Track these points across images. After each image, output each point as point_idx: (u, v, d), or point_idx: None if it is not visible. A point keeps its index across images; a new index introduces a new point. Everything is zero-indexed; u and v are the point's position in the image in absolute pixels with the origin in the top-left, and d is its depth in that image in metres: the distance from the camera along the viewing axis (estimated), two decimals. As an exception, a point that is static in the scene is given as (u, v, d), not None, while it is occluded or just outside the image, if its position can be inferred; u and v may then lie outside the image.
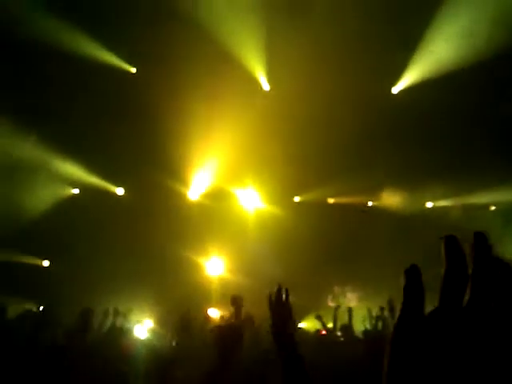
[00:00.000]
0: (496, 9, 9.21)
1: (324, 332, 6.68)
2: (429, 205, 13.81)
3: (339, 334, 6.22)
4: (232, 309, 5.54)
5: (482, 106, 10.78)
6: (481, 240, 0.61)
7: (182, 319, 5.95)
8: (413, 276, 0.64)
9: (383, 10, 9.39)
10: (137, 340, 5.86)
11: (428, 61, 10.58)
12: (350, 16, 9.16)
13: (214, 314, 11.16)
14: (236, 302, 5.57)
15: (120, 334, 5.32)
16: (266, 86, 11.79)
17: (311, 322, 8.72)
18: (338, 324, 6.53)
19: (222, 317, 7.46)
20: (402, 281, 0.64)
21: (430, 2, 9.52)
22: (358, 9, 9.13)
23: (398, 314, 0.63)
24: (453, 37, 10.00)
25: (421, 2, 9.34)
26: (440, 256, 0.65)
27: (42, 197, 11.91)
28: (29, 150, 11.14)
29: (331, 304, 12.09)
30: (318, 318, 6.91)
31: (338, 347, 5.52)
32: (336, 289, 12.98)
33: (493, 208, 13.88)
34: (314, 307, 11.67)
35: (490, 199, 13.19)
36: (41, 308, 9.70)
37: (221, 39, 10.25)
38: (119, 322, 6.64)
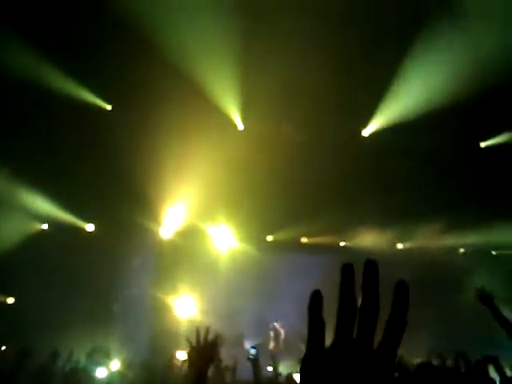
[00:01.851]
0: (463, 55, 9.59)
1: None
2: (399, 246, 14.01)
3: None
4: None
5: (450, 149, 11.15)
6: (371, 268, 0.69)
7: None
8: (315, 308, 0.69)
9: (354, 55, 9.73)
10: (99, 381, 5.66)
11: (397, 105, 10.94)
12: (323, 60, 9.43)
13: (183, 356, 10.87)
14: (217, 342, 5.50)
15: (81, 374, 5.14)
16: (240, 126, 11.93)
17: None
18: None
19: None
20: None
21: (400, 47, 9.91)
22: (330, 53, 9.42)
23: None
24: (421, 82, 10.38)
25: (391, 47, 9.71)
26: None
27: (10, 231, 11.61)
28: (-1, 184, 10.91)
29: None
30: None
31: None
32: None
33: (462, 250, 14.11)
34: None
35: (459, 241, 13.40)
36: (3, 348, 9.29)
37: (196, 78, 10.39)
38: (82, 362, 6.43)
